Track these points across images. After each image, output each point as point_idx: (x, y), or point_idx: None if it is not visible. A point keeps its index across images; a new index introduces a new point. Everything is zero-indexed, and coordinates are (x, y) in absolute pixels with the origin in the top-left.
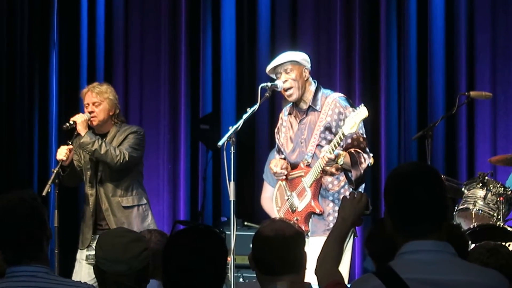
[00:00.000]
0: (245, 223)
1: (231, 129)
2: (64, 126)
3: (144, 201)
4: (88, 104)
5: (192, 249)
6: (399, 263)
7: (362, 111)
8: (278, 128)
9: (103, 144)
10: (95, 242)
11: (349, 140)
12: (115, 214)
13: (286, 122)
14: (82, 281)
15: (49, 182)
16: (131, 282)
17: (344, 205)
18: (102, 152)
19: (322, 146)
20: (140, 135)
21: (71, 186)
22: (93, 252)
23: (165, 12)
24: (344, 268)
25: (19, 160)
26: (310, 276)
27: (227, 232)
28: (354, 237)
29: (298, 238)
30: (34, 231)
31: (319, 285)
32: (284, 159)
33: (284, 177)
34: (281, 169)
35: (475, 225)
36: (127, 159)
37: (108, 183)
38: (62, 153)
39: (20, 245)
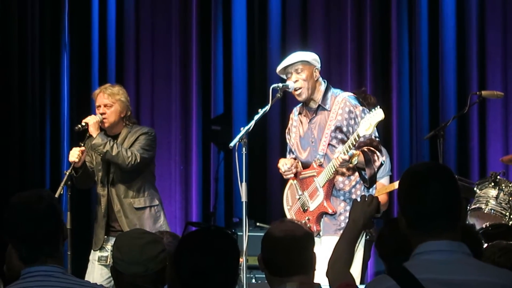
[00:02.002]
0: (257, 223)
1: (243, 130)
2: (76, 128)
3: (156, 202)
4: (100, 106)
5: (204, 251)
6: (414, 263)
7: (379, 113)
8: (289, 129)
9: (115, 145)
10: (111, 243)
11: (362, 139)
12: (127, 216)
13: (296, 122)
14: (94, 282)
15: (62, 184)
16: (148, 284)
17: (355, 207)
18: (114, 153)
19: (333, 146)
20: (151, 136)
21: (84, 188)
22: (105, 254)
23: (176, 12)
24: (355, 269)
25: (31, 163)
26: (320, 276)
27: (239, 233)
28: (367, 236)
29: (307, 239)
30: (50, 229)
31: (330, 286)
32: (295, 159)
33: (293, 175)
34: (290, 167)
35: (488, 225)
36: (138, 160)
37: (120, 185)
38: (74, 154)
39: (36, 243)
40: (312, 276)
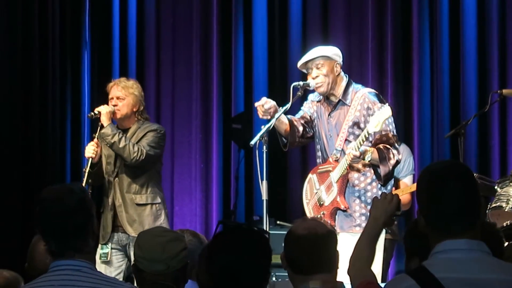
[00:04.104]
0: (278, 222)
1: (264, 128)
2: (89, 115)
3: (159, 200)
4: (113, 98)
5: (236, 249)
6: (433, 262)
7: (386, 111)
8: (309, 105)
9: (123, 138)
10: (112, 240)
11: (378, 136)
12: (128, 211)
13: (317, 107)
14: None
15: (83, 183)
16: (169, 282)
17: (376, 205)
18: (121, 146)
19: (350, 142)
20: (160, 133)
21: (99, 183)
22: (106, 250)
23: (197, 10)
24: (375, 267)
25: (52, 159)
26: (341, 274)
27: None
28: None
29: (330, 237)
30: (80, 223)
31: (351, 284)
32: (305, 130)
33: (269, 116)
34: (269, 109)
35: (508, 223)
36: (144, 157)
37: (124, 179)
38: (90, 150)
39: (66, 236)
40: (335, 274)
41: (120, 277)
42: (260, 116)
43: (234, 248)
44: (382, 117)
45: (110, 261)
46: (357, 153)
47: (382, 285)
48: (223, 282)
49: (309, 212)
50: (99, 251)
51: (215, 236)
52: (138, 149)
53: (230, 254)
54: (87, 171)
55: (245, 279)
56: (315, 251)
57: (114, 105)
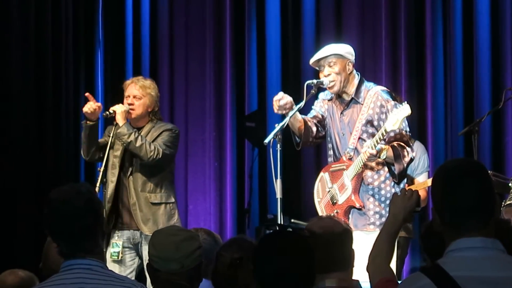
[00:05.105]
0: (292, 220)
1: (277, 127)
2: (104, 114)
3: (172, 199)
4: (129, 96)
5: (283, 252)
6: (448, 260)
7: (405, 109)
8: (321, 105)
9: (139, 137)
10: (123, 239)
11: (392, 134)
12: (142, 210)
13: (329, 106)
14: None
15: (98, 183)
16: (184, 281)
17: (395, 201)
18: (137, 145)
19: (363, 140)
20: (174, 133)
21: (90, 155)
22: (117, 249)
23: (210, 9)
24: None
25: (65, 159)
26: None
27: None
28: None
29: (346, 235)
30: (89, 224)
31: (370, 281)
32: (318, 130)
33: (284, 112)
34: (285, 105)
35: None
36: (160, 155)
37: (139, 178)
38: (88, 106)
39: (75, 238)
40: (350, 273)
41: (132, 276)
42: (275, 111)
43: (282, 252)
44: (401, 115)
45: (122, 260)
46: (374, 151)
47: None
48: (272, 285)
49: (321, 210)
50: (110, 249)
51: (262, 240)
52: (155, 147)
53: (278, 257)
54: (102, 170)
55: (295, 281)
56: (331, 249)
57: (130, 104)
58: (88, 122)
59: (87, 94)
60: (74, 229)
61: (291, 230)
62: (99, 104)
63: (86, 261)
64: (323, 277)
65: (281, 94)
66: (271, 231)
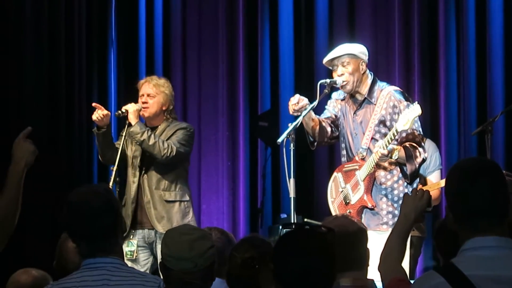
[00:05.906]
0: (305, 219)
1: (291, 126)
2: (116, 113)
3: (187, 197)
4: (143, 95)
5: (304, 251)
6: (462, 259)
7: (416, 109)
8: (334, 104)
9: (152, 135)
10: (137, 238)
11: (404, 134)
12: (156, 207)
13: (342, 106)
14: None
15: (111, 183)
16: (197, 280)
17: (406, 201)
18: (150, 143)
19: (376, 140)
20: (189, 132)
21: (104, 155)
22: (132, 248)
23: (223, 9)
24: (403, 264)
25: (78, 160)
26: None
27: (286, 230)
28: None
29: (361, 234)
30: (108, 224)
31: (382, 281)
32: (332, 130)
33: (299, 113)
34: (300, 108)
35: None
36: (174, 153)
37: (153, 176)
38: (96, 114)
39: (94, 238)
40: (365, 272)
41: None
42: (291, 112)
43: (303, 250)
44: (411, 115)
45: (137, 259)
46: (385, 152)
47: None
48: (294, 284)
49: (334, 210)
50: (125, 248)
51: (281, 239)
52: (168, 145)
53: (299, 255)
54: (115, 170)
55: (317, 279)
56: (345, 248)
57: (144, 102)
58: (99, 130)
59: (94, 104)
60: (94, 229)
61: (309, 228)
62: (106, 112)
63: (108, 259)
64: (338, 276)
65: (297, 97)
66: (289, 229)
